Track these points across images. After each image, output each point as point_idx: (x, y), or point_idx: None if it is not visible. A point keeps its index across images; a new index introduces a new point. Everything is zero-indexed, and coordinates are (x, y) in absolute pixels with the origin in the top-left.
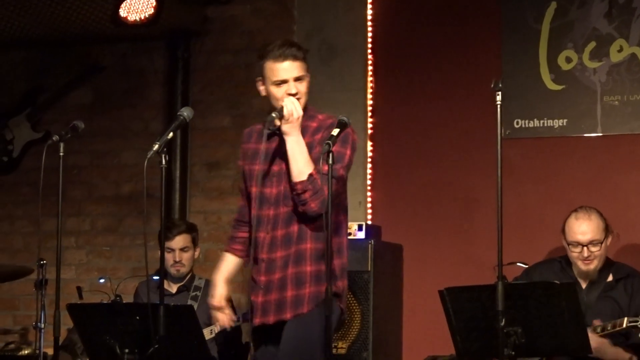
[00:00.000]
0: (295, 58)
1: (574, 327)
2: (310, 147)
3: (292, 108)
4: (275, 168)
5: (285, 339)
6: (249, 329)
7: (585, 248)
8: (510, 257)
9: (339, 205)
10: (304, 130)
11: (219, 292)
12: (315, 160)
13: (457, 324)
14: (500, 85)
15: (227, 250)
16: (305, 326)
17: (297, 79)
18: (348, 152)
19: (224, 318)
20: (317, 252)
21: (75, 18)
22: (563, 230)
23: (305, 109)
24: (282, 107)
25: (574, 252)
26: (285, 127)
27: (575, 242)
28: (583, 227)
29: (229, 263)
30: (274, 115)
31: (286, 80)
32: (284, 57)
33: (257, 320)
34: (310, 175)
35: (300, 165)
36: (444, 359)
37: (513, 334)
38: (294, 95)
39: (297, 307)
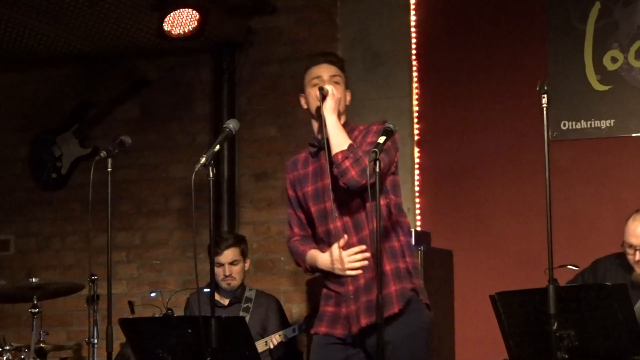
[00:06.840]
0: (332, 63)
1: (627, 328)
2: None
3: (330, 89)
4: (328, 182)
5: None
6: (305, 340)
7: (638, 252)
8: (561, 259)
9: (396, 206)
10: None
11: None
12: None
13: (509, 329)
14: (545, 87)
15: (310, 249)
16: (413, 342)
17: (333, 79)
18: (393, 151)
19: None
20: (391, 250)
21: (120, 33)
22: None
23: (346, 123)
24: (324, 91)
25: (629, 255)
26: (326, 105)
27: (628, 244)
28: (638, 230)
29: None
30: (324, 90)
31: (321, 77)
32: (320, 61)
33: (354, 329)
34: (351, 145)
35: (341, 138)
36: None
37: (566, 337)
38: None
39: (387, 307)
